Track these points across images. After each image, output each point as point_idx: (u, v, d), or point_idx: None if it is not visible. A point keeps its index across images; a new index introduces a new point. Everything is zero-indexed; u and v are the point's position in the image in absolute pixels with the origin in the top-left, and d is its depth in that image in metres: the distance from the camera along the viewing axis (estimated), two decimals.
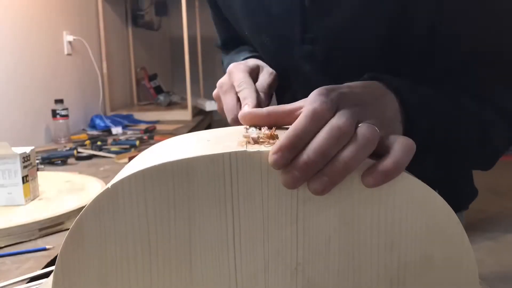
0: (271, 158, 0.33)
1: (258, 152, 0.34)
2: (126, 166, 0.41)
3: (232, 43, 0.82)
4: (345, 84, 0.43)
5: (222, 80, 0.59)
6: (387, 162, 0.34)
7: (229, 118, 0.56)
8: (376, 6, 0.55)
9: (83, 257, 0.36)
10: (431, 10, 0.53)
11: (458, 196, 0.75)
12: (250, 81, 0.56)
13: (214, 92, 0.60)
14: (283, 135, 0.34)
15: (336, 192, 0.34)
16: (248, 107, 0.51)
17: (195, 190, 0.35)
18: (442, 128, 0.50)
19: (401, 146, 0.34)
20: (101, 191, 0.35)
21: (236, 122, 0.54)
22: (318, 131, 0.34)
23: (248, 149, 0.34)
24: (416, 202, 0.35)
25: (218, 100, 0.60)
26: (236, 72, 0.58)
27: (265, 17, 0.65)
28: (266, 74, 0.61)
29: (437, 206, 0.35)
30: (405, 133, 0.46)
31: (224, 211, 0.35)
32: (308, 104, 0.36)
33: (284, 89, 0.69)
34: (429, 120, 0.48)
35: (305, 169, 0.33)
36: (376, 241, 0.36)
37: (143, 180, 0.35)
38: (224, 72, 0.63)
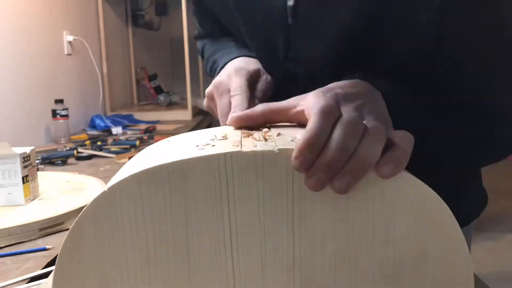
0: (294, 163, 0.33)
1: (253, 152, 0.34)
2: (122, 168, 0.41)
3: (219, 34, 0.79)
4: (334, 84, 0.43)
5: (220, 80, 0.58)
6: (397, 152, 0.34)
7: (222, 121, 0.55)
8: (358, 32, 0.52)
9: (82, 258, 0.36)
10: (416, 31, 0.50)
11: (471, 206, 0.73)
12: (245, 88, 0.55)
13: (208, 90, 0.59)
14: (298, 140, 0.34)
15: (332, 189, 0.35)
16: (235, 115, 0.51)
17: (191, 191, 0.35)
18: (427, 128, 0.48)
19: (403, 138, 0.36)
20: (99, 194, 0.36)
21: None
22: (331, 129, 0.35)
23: (243, 149, 0.35)
24: (411, 197, 0.35)
25: (210, 98, 0.59)
26: (236, 77, 0.57)
27: (251, 26, 0.63)
28: (264, 81, 0.61)
29: (431, 201, 0.36)
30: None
31: (221, 211, 0.35)
32: (313, 105, 0.36)
33: (281, 93, 0.69)
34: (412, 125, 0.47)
35: (329, 169, 0.33)
36: (371, 237, 0.36)
37: (138, 182, 0.35)
38: (205, 64, 0.61)
